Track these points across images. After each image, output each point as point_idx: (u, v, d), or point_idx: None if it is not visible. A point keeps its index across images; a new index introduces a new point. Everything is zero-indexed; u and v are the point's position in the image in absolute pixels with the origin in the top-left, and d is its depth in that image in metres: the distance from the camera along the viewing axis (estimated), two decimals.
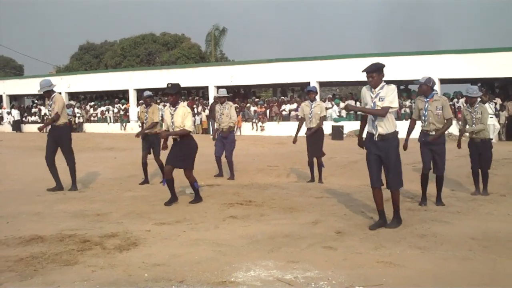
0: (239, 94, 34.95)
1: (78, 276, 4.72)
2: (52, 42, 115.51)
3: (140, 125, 11.71)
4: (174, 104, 8.41)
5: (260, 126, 29.52)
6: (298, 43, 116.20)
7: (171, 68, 36.79)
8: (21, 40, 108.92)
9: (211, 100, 30.36)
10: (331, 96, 31.53)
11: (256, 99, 33.13)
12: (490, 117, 22.13)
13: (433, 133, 8.34)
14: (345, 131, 25.71)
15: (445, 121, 8.37)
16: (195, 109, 32.09)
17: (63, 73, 49.21)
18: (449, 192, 9.80)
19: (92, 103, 38.29)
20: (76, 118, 35.92)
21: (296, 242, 5.95)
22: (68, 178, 10.25)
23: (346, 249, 5.64)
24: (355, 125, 26.45)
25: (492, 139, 9.97)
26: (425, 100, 8.47)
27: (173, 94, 8.32)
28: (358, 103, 28.28)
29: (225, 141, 12.01)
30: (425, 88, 8.41)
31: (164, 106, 29.32)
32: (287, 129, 27.13)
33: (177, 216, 7.52)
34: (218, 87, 27.68)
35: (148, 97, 11.46)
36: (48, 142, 10.07)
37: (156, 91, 37.28)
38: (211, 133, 27.70)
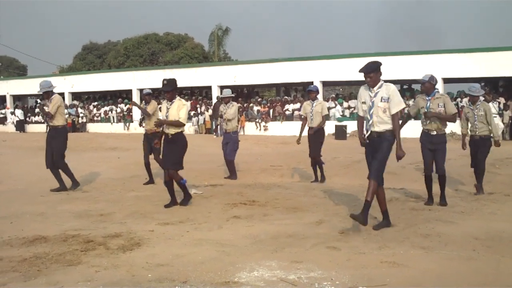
0: (242, 94, 34.95)
1: (82, 276, 4.72)
2: (55, 42, 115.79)
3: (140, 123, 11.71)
4: (170, 99, 8.35)
5: (264, 126, 29.52)
6: (301, 42, 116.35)
7: (174, 68, 36.81)
8: (24, 40, 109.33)
9: (214, 100, 30.38)
10: (334, 95, 31.52)
11: (259, 99, 33.13)
12: (494, 117, 22.13)
13: (435, 132, 8.30)
14: (349, 130, 25.70)
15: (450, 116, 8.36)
16: (198, 109, 32.11)
17: (66, 73, 49.33)
18: (453, 191, 9.78)
19: (96, 103, 38.37)
20: (80, 118, 35.98)
21: (300, 242, 5.94)
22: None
23: (350, 249, 5.63)
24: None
25: (492, 137, 9.89)
26: (427, 98, 8.42)
27: (170, 91, 8.29)
28: None
29: (229, 141, 11.93)
30: (428, 86, 8.37)
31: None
32: (291, 128, 27.12)
33: (180, 216, 7.51)
34: (221, 87, 27.70)
35: (147, 94, 11.55)
36: (46, 144, 10.13)
37: (159, 91, 37.39)
38: (214, 133, 27.75)
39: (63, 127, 10.14)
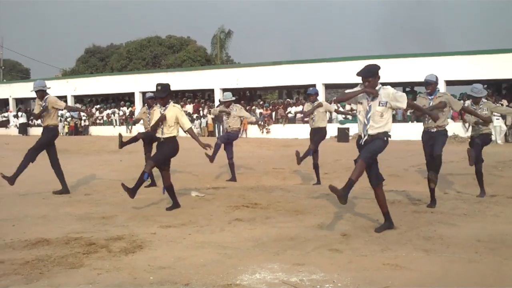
0: (245, 97, 34.99)
1: (84, 279, 4.72)
2: (58, 45, 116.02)
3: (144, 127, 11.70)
4: (164, 105, 8.20)
5: (266, 129, 29.53)
6: (303, 44, 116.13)
7: (176, 71, 36.87)
8: (27, 44, 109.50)
9: (216, 103, 30.41)
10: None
11: (262, 102, 33.16)
12: (497, 119, 22.14)
13: (435, 129, 8.31)
14: (351, 133, 25.69)
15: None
16: (201, 112, 32.15)
17: (69, 76, 49.37)
18: (455, 194, 9.76)
19: (98, 106, 38.43)
20: (82, 121, 36.05)
21: (302, 244, 5.94)
22: (73, 181, 10.26)
23: (352, 251, 5.63)
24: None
25: (494, 140, 9.90)
26: (429, 98, 8.44)
27: (164, 97, 8.17)
28: None
29: (230, 137, 11.98)
30: (434, 86, 8.45)
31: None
32: (293, 131, 27.17)
33: (182, 218, 7.51)
34: (224, 90, 27.71)
35: (150, 98, 11.48)
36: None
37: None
38: (217, 135, 27.79)
39: (54, 127, 10.30)
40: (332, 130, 19.52)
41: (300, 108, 28.68)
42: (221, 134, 25.57)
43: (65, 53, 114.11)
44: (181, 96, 36.90)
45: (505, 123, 22.74)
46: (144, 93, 34.87)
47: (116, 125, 35.15)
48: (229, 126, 11.96)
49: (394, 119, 26.77)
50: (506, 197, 9.33)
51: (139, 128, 31.99)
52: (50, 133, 10.14)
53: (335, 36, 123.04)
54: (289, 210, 8.06)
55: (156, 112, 8.32)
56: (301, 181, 12.17)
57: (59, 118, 10.34)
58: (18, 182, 9.72)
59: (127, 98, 37.79)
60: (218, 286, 4.50)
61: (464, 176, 11.22)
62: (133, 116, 34.16)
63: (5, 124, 39.75)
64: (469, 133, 10.09)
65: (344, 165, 13.60)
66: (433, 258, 5.33)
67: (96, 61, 56.28)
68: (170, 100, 8.27)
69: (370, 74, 6.38)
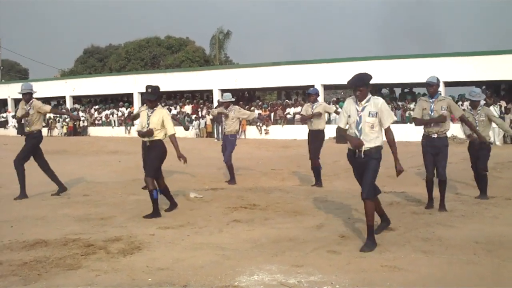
0: (244, 98, 34.98)
1: (82, 280, 4.72)
2: (56, 45, 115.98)
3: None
4: (153, 107, 8.08)
5: (265, 130, 29.53)
6: (303, 44, 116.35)
7: (175, 71, 36.86)
8: (25, 44, 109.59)
9: (215, 104, 30.40)
10: (335, 99, 31.54)
11: (260, 103, 33.17)
12: None
13: (436, 135, 8.21)
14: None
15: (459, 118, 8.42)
16: (200, 113, 32.14)
17: (67, 76, 49.37)
18: (454, 195, 9.76)
19: (97, 107, 38.41)
20: (81, 122, 36.03)
21: (300, 246, 5.94)
22: (71, 182, 10.24)
23: (350, 253, 5.63)
24: None
25: (491, 143, 9.88)
26: (431, 100, 8.31)
27: (154, 100, 8.07)
28: None
29: (226, 142, 11.88)
30: (436, 88, 8.31)
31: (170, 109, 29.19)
32: (292, 132, 27.17)
33: (181, 220, 7.51)
34: (223, 91, 27.73)
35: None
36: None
37: (160, 95, 37.36)
38: (215, 136, 27.79)
39: (38, 132, 10.05)
40: (331, 131, 19.48)
41: (299, 109, 28.67)
42: (219, 135, 25.61)
43: (63, 53, 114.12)
44: (179, 97, 36.91)
45: None
46: (142, 94, 35.00)
47: (114, 125, 35.12)
48: (227, 129, 11.85)
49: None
50: (505, 198, 9.33)
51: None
52: (34, 140, 9.95)
53: (335, 36, 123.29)
54: (287, 211, 8.06)
55: (143, 113, 8.22)
56: (300, 182, 12.16)
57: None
58: (17, 184, 9.71)
59: (126, 99, 37.76)
60: None
61: (462, 178, 11.23)
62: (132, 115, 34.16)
63: (3, 124, 39.72)
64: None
65: (343, 166, 13.56)
66: (431, 260, 5.34)
67: (94, 61, 56.28)
68: (158, 103, 8.17)
69: (361, 83, 6.05)
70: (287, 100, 33.04)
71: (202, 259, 5.39)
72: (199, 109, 32.78)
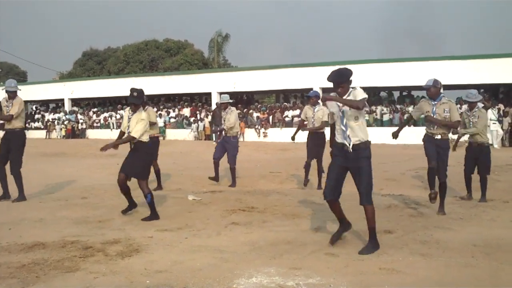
0: (242, 100, 35.01)
1: (80, 283, 4.72)
2: (55, 48, 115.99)
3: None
4: (135, 110, 7.96)
5: (263, 132, 29.55)
6: (302, 46, 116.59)
7: (174, 74, 36.90)
8: (24, 47, 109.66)
9: (214, 106, 30.42)
10: None
11: (259, 105, 33.19)
12: (493, 123, 22.20)
13: (439, 136, 8.12)
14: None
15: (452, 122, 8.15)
16: (198, 115, 32.15)
17: (66, 79, 49.42)
18: (452, 198, 9.77)
19: (95, 109, 38.41)
20: (79, 124, 36.02)
21: (298, 248, 5.95)
22: (70, 184, 10.22)
23: (348, 255, 5.64)
24: None
25: (491, 144, 9.90)
26: (433, 103, 8.21)
27: (139, 104, 7.98)
28: None
29: (227, 146, 11.84)
30: (434, 90, 8.16)
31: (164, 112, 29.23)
32: (290, 135, 27.14)
33: (179, 222, 7.51)
34: (221, 93, 27.71)
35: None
36: (1, 147, 9.72)
37: (159, 97, 37.40)
38: (214, 139, 27.78)
39: (21, 130, 9.76)
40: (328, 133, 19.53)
41: (297, 112, 28.72)
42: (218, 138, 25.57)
43: (62, 56, 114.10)
44: (178, 100, 36.92)
45: (501, 127, 22.80)
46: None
47: (113, 128, 35.12)
48: (228, 130, 11.82)
49: (392, 123, 26.89)
50: (503, 201, 9.36)
51: None
52: (20, 136, 9.70)
53: (335, 38, 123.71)
54: (286, 214, 8.06)
55: (125, 116, 8.13)
56: (298, 185, 12.16)
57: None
58: (15, 186, 9.69)
59: (124, 102, 37.73)
60: None
61: (460, 180, 11.24)
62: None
63: (2, 126, 39.62)
64: (466, 137, 10.00)
65: None
66: (429, 263, 5.35)
67: (93, 64, 56.30)
68: (141, 107, 8.06)
69: (343, 79, 5.93)
70: (285, 103, 33.07)
71: (200, 261, 5.39)
72: (197, 112, 32.80)
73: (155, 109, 34.42)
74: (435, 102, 8.20)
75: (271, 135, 29.28)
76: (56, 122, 37.24)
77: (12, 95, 9.65)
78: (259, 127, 29.66)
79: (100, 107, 38.95)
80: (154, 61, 51.25)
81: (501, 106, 24.27)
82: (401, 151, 20.04)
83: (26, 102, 41.89)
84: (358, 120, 5.93)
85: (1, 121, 9.77)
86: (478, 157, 9.54)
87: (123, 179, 8.00)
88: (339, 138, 6.05)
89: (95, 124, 36.82)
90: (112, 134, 34.30)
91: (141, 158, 7.94)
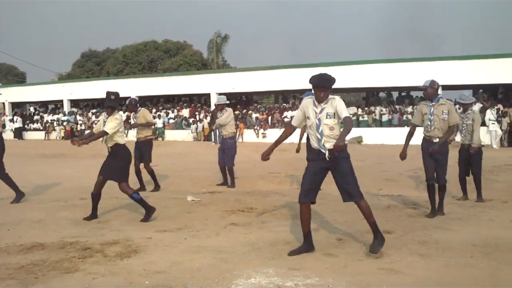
0: (241, 101, 35.01)
1: (79, 284, 4.72)
2: (54, 49, 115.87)
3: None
4: (111, 114, 7.91)
5: (262, 133, 29.54)
6: (302, 47, 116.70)
7: (173, 75, 36.91)
8: (23, 48, 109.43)
9: (213, 107, 30.41)
10: None
11: (258, 106, 33.19)
12: (492, 123, 22.24)
13: (437, 139, 7.96)
14: (347, 137, 25.66)
15: (448, 127, 7.97)
16: (197, 116, 32.14)
17: (65, 80, 49.36)
18: (450, 198, 9.78)
19: (94, 110, 38.35)
20: (78, 125, 35.99)
21: None
22: (69, 185, 10.21)
23: (347, 256, 5.64)
24: (356, 131, 26.47)
25: (490, 144, 9.89)
26: (430, 104, 8.05)
27: (116, 107, 7.95)
28: (359, 110, 28.34)
29: (225, 147, 11.89)
30: (431, 91, 8.00)
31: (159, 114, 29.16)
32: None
33: (178, 223, 7.52)
34: (220, 94, 27.71)
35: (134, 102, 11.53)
36: None
37: (158, 98, 37.41)
38: (213, 140, 27.81)
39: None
40: None
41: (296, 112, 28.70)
42: (217, 139, 25.60)
43: (61, 57, 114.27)
44: (177, 101, 36.91)
45: (500, 127, 22.81)
46: (140, 98, 35.01)
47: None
48: (225, 132, 11.88)
49: (391, 124, 26.91)
50: (501, 201, 9.36)
51: (134, 133, 32.09)
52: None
53: (334, 39, 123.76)
54: (285, 215, 8.07)
55: (101, 120, 8.06)
56: (297, 185, 12.14)
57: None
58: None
59: (123, 103, 37.67)
60: None
61: (457, 182, 11.24)
62: (130, 121, 34.17)
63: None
64: (458, 139, 9.97)
65: None
66: (428, 263, 5.35)
67: (92, 65, 56.26)
68: (116, 110, 7.99)
69: (328, 85, 5.82)
70: (284, 104, 33.07)
71: (199, 262, 5.39)
72: (196, 113, 32.79)
73: (154, 110, 34.50)
74: (433, 103, 8.05)
75: (270, 136, 29.26)
76: (55, 123, 37.20)
77: None
78: (258, 128, 29.65)
79: (99, 108, 38.86)
80: (153, 62, 51.26)
81: (500, 107, 24.28)
82: (400, 152, 20.03)
83: (24, 103, 41.99)
84: (334, 130, 5.87)
85: None
86: (471, 158, 9.51)
87: (101, 182, 7.97)
88: (314, 144, 5.99)
89: (94, 125, 36.60)
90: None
91: (118, 161, 7.90)
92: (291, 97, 36.43)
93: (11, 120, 38.61)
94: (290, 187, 12.01)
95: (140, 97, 35.18)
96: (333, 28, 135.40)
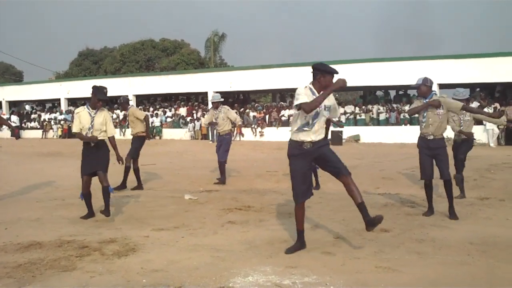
0: (239, 100, 35.01)
1: (77, 282, 4.71)
2: (51, 48, 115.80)
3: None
4: (98, 108, 7.98)
5: (259, 132, 29.54)
6: (299, 46, 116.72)
7: (170, 74, 36.84)
8: (20, 46, 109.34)
9: (210, 106, 30.41)
10: None
11: (256, 105, 33.19)
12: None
13: (432, 136, 7.86)
14: (344, 136, 25.74)
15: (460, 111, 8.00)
16: (194, 115, 32.13)
17: (62, 79, 49.23)
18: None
19: None
20: None
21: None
22: (66, 184, 10.20)
23: (345, 254, 5.64)
24: (354, 130, 26.51)
25: (475, 139, 9.91)
26: (424, 101, 7.95)
27: (108, 102, 8.06)
28: (357, 108, 28.36)
29: (222, 142, 11.99)
30: (424, 89, 7.90)
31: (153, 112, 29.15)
32: (286, 134, 27.16)
33: (175, 221, 7.51)
34: (217, 93, 27.69)
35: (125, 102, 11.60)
36: None
37: (155, 97, 37.39)
38: (210, 138, 27.82)
39: None
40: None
41: (293, 111, 28.70)
42: (214, 137, 25.62)
43: (58, 56, 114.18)
44: (174, 99, 36.90)
45: (497, 126, 22.83)
46: (137, 96, 35.04)
47: None
48: (221, 130, 11.99)
49: (388, 123, 26.94)
50: (498, 199, 9.37)
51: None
52: None
53: (331, 38, 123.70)
54: (282, 213, 8.07)
55: (84, 114, 7.97)
56: None
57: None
58: (12, 186, 9.70)
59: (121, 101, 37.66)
60: None
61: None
62: (127, 119, 34.16)
63: None
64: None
65: None
66: (425, 261, 5.36)
67: (89, 64, 56.16)
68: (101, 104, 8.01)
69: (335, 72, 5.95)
70: (281, 102, 33.08)
71: (196, 260, 5.39)
72: (194, 111, 32.78)
73: (151, 109, 34.48)
74: (427, 101, 7.94)
75: (268, 134, 29.29)
76: (52, 121, 37.18)
77: None
78: (255, 126, 29.66)
79: None
80: (150, 61, 51.20)
81: (497, 105, 24.29)
82: (398, 150, 20.08)
83: (22, 102, 41.91)
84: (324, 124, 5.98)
85: None
86: (461, 144, 9.59)
87: (89, 180, 7.94)
88: (304, 137, 5.88)
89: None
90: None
91: (106, 154, 7.95)
92: (288, 96, 36.43)
93: (8, 119, 38.55)
94: (288, 185, 11.99)
95: (137, 96, 35.44)
96: (332, 27, 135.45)
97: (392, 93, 31.26)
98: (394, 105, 28.06)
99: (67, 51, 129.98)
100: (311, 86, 5.97)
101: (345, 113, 28.32)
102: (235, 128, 26.87)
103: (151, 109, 34.72)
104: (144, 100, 38.01)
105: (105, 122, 7.96)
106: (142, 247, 5.99)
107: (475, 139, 9.94)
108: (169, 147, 24.54)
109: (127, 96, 12.03)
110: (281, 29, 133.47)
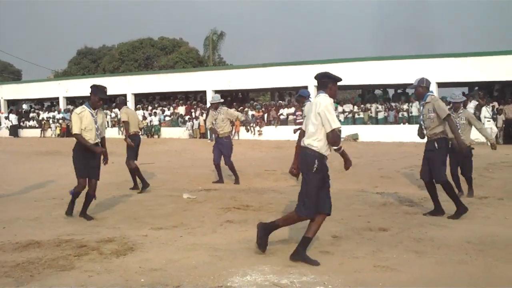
0: (237, 98, 34.99)
1: (75, 281, 4.71)
2: (50, 46, 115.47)
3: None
4: (95, 107, 7.97)
5: (258, 131, 29.53)
6: (297, 45, 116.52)
7: (169, 72, 36.80)
8: (19, 45, 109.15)
9: (208, 105, 30.39)
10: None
11: (255, 103, 33.17)
12: (488, 121, 22.24)
13: (427, 138, 7.84)
14: (343, 135, 25.71)
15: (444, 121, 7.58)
16: (193, 113, 32.11)
17: (61, 77, 49.18)
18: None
19: None
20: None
21: (293, 247, 5.91)
22: (65, 183, 10.19)
23: (343, 253, 5.65)
24: (352, 129, 26.49)
25: (473, 148, 9.85)
26: (422, 102, 7.95)
27: (107, 99, 7.94)
28: (355, 107, 28.35)
29: (221, 147, 11.86)
30: (420, 90, 7.85)
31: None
32: (285, 133, 27.17)
33: (174, 220, 7.51)
34: (216, 92, 27.68)
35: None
36: None
37: (154, 96, 37.38)
38: (209, 137, 27.80)
39: None
40: None
41: (292, 110, 28.73)
42: (212, 136, 25.60)
43: (57, 54, 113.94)
44: (173, 98, 36.87)
45: (496, 125, 22.84)
46: (136, 95, 35.02)
47: (108, 127, 35.01)
48: (220, 132, 11.85)
49: (386, 121, 26.94)
50: (497, 198, 9.38)
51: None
52: None
53: (329, 37, 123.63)
54: (281, 212, 8.06)
55: (86, 114, 7.91)
56: (293, 182, 12.15)
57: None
58: (10, 185, 9.70)
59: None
60: None
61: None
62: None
63: None
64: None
65: (336, 167, 13.57)
66: (424, 260, 5.37)
67: (88, 62, 56.14)
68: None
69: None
70: (280, 101, 33.07)
71: (195, 259, 5.39)
72: (192, 110, 32.74)
73: (150, 107, 34.46)
74: (423, 102, 7.90)
75: (266, 133, 29.27)
76: (51, 120, 37.14)
77: None
78: (254, 125, 29.65)
79: None
80: (149, 59, 51.19)
81: (496, 104, 24.30)
82: (396, 149, 20.08)
83: (20, 100, 41.87)
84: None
85: None
86: (462, 160, 9.58)
87: (86, 184, 7.88)
88: (328, 151, 5.91)
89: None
90: (106, 133, 34.19)
91: (99, 160, 7.95)
92: (287, 95, 36.46)
93: (7, 118, 38.54)
94: (286, 184, 12.01)
95: (136, 94, 35.38)
96: (332, 27, 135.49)
97: (391, 91, 31.23)
98: (393, 104, 28.04)
99: (66, 49, 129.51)
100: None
101: (343, 112, 28.31)
102: (234, 127, 26.83)
103: (150, 107, 34.68)
104: (142, 99, 37.96)
105: (102, 123, 7.99)
106: (141, 246, 5.99)
107: (473, 148, 9.86)
108: (168, 146, 24.52)
109: (124, 97, 11.97)
110: (280, 28, 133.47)
